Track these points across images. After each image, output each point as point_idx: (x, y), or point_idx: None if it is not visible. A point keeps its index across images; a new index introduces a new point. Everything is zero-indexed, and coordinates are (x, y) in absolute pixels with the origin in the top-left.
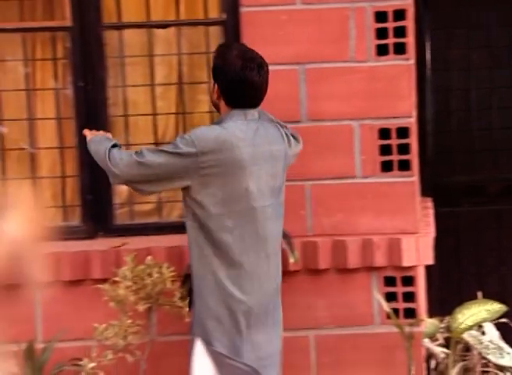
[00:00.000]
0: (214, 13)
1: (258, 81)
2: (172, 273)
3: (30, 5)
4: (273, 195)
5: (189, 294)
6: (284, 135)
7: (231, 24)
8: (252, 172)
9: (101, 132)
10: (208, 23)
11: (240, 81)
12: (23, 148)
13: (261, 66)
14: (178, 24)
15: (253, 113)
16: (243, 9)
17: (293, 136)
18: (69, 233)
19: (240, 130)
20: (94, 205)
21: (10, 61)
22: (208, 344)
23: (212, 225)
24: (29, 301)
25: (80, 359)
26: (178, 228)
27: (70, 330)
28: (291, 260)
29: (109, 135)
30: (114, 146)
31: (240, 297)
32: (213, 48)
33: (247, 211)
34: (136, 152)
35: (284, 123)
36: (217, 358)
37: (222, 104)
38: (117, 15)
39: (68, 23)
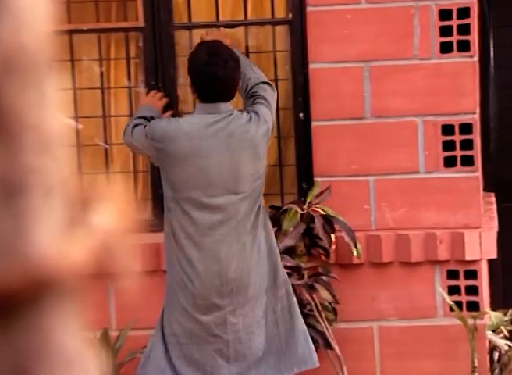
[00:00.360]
0: (280, 13)
1: (222, 75)
2: None
3: (105, 7)
4: (237, 184)
5: None
6: (254, 122)
7: (297, 23)
8: (195, 163)
9: (152, 102)
10: (274, 23)
11: (203, 75)
12: (98, 144)
13: (226, 61)
14: (245, 24)
15: (218, 107)
16: (309, 9)
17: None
18: (141, 226)
19: (189, 124)
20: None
21: (86, 60)
22: None
23: (169, 207)
24: (104, 291)
25: None
26: None
27: (142, 319)
28: (354, 254)
29: (158, 105)
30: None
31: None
32: (280, 47)
33: (191, 199)
34: (137, 125)
35: (253, 109)
36: None
37: (196, 97)
38: (187, 15)
39: (140, 23)
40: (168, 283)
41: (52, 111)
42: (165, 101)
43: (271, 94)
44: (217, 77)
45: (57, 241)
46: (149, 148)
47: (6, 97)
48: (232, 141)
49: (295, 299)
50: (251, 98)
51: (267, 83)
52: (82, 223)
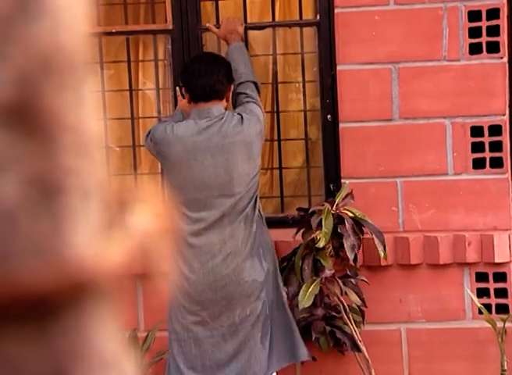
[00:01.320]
0: (308, 15)
1: (203, 75)
2: None
3: (134, 10)
4: (232, 185)
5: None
6: (247, 122)
7: (325, 25)
8: (190, 166)
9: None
10: (302, 25)
11: (185, 76)
12: (125, 146)
13: (207, 62)
14: (273, 25)
15: (208, 111)
16: (337, 10)
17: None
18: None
19: (184, 128)
20: None
21: (115, 62)
22: None
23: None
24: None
25: None
26: (272, 223)
27: None
28: (382, 256)
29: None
30: None
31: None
32: (307, 48)
33: (188, 202)
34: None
35: (244, 109)
36: None
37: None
38: (215, 17)
39: (169, 25)
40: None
41: (89, 112)
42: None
43: (256, 95)
44: (198, 78)
45: (94, 243)
46: (153, 152)
47: (44, 97)
48: (226, 143)
49: (284, 293)
50: (240, 95)
51: (255, 83)
52: (119, 225)
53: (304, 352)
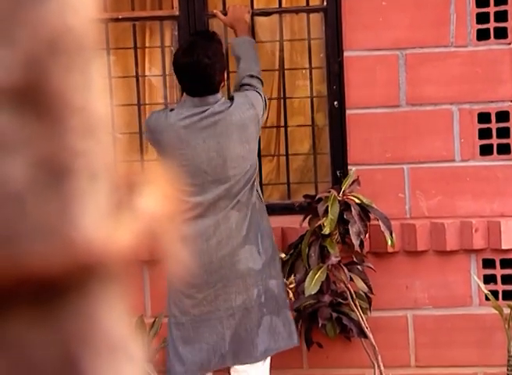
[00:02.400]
0: (315, 1)
1: (200, 75)
2: None
3: None
4: (226, 169)
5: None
6: (239, 105)
7: (332, 11)
8: (184, 153)
9: None
10: (309, 11)
11: (183, 77)
12: (132, 133)
13: (198, 61)
14: (280, 12)
15: (204, 100)
16: None
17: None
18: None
19: (176, 115)
20: None
21: (122, 49)
22: None
23: None
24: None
25: None
26: (279, 209)
27: None
28: (389, 243)
29: None
30: None
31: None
32: (314, 34)
33: (186, 187)
34: None
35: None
36: None
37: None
38: (222, 3)
39: (175, 12)
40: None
41: (97, 94)
42: None
43: (261, 88)
44: (192, 78)
45: (102, 225)
46: (150, 141)
47: (52, 79)
48: (218, 127)
49: (280, 283)
50: (243, 86)
51: (258, 78)
52: (127, 207)
53: (296, 339)
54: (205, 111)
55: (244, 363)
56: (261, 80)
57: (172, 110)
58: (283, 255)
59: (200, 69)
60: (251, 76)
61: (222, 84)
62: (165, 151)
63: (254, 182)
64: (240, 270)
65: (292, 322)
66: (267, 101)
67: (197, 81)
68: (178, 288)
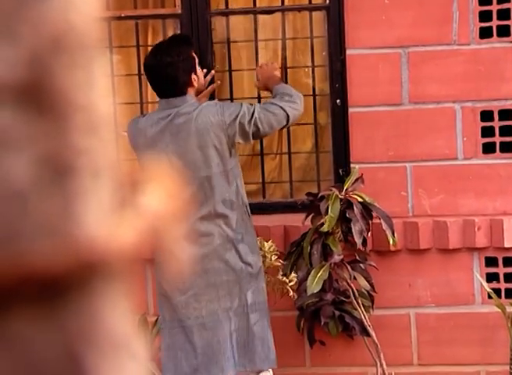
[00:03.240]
0: None
1: (164, 76)
2: (275, 250)
3: None
4: (188, 171)
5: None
6: (205, 111)
7: (334, 9)
8: (152, 156)
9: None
10: (312, 9)
11: (149, 78)
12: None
13: (160, 60)
14: (283, 10)
15: (172, 102)
16: None
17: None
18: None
19: (145, 120)
20: None
21: (124, 47)
22: None
23: None
24: (141, 276)
25: None
26: (281, 208)
27: None
28: (391, 242)
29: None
30: None
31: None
32: (317, 32)
33: None
34: None
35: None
36: None
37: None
38: (224, 1)
39: (178, 10)
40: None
41: (100, 92)
42: (214, 86)
43: (272, 115)
44: (158, 79)
45: (105, 223)
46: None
47: (55, 77)
48: (180, 131)
49: (265, 295)
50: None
51: (283, 109)
52: (130, 205)
53: (274, 360)
54: (170, 114)
55: None
56: (286, 112)
57: (144, 116)
58: (294, 276)
59: (162, 69)
60: (274, 104)
61: (192, 87)
62: (140, 156)
63: (224, 189)
64: (212, 279)
65: (270, 340)
66: (276, 122)
67: (161, 82)
68: (160, 292)
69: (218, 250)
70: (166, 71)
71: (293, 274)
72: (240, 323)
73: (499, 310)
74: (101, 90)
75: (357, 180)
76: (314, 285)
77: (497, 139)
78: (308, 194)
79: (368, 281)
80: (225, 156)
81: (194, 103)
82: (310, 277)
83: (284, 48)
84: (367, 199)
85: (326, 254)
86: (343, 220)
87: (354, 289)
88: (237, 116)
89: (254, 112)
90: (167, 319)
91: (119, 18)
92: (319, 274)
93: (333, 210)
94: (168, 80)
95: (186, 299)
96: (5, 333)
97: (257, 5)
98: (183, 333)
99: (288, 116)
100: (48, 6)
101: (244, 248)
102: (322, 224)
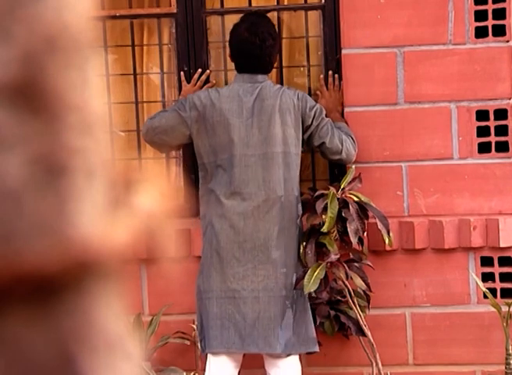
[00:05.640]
0: None
1: (258, 54)
2: None
3: None
4: (267, 144)
5: None
6: (288, 92)
7: (330, 9)
8: (236, 125)
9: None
10: (307, 8)
11: (240, 52)
12: (129, 131)
13: (263, 40)
14: (278, 9)
15: (253, 77)
16: None
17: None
18: (180, 209)
19: (228, 90)
20: (197, 184)
21: (119, 46)
22: None
23: (208, 171)
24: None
25: (184, 333)
26: None
27: (174, 304)
28: (386, 242)
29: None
30: None
31: (220, 231)
32: (312, 32)
33: (232, 158)
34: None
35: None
36: None
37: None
38: (220, 1)
39: (173, 9)
40: (203, 242)
41: (94, 92)
42: (210, 85)
43: (346, 140)
44: (253, 56)
45: (99, 222)
46: (181, 125)
47: (49, 76)
48: (264, 105)
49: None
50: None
51: (352, 137)
52: (124, 205)
53: (316, 344)
54: (257, 88)
55: (264, 351)
56: (352, 140)
57: (216, 88)
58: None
59: (262, 45)
60: (346, 134)
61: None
62: (217, 122)
63: (293, 170)
64: (273, 256)
65: (313, 327)
66: (344, 148)
67: (255, 57)
68: (210, 262)
69: (284, 229)
70: (265, 48)
71: None
72: (291, 304)
73: (495, 310)
74: (96, 90)
75: (354, 179)
76: (311, 284)
77: (493, 139)
78: (310, 189)
79: (363, 281)
80: (300, 139)
81: (273, 83)
82: (306, 277)
83: (279, 48)
84: (363, 199)
85: (320, 253)
86: (339, 220)
87: (350, 289)
88: (315, 110)
89: (328, 121)
90: (215, 288)
91: (114, 17)
92: (316, 273)
93: (332, 210)
94: (262, 56)
95: (244, 271)
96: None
97: (253, 4)
98: (235, 303)
99: (348, 153)
100: (43, 6)
101: (299, 227)
102: (319, 224)
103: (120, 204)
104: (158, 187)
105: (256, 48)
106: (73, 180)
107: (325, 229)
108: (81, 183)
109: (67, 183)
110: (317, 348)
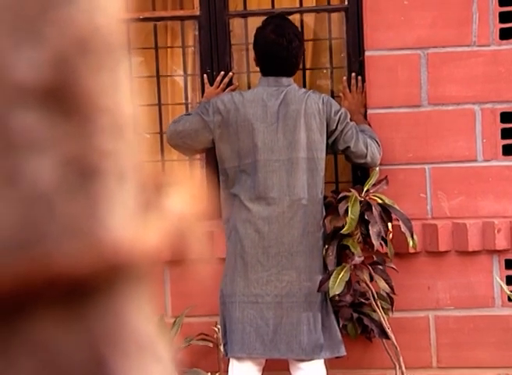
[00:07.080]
0: (336, 0)
1: (285, 56)
2: None
3: None
4: (292, 149)
5: None
6: (313, 96)
7: (353, 10)
8: (260, 129)
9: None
10: (330, 10)
11: (267, 54)
12: (153, 133)
13: (290, 41)
14: (301, 11)
15: (279, 80)
16: None
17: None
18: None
19: (252, 94)
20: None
21: (143, 49)
22: None
23: (229, 176)
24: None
25: (207, 334)
26: None
27: (197, 306)
28: (410, 244)
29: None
30: None
31: (244, 236)
32: (335, 34)
33: (257, 162)
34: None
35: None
36: None
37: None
38: (243, 3)
39: (196, 11)
40: (227, 246)
41: (125, 95)
42: (233, 87)
43: (370, 144)
44: (279, 58)
45: (130, 225)
46: (204, 130)
47: (81, 79)
48: (289, 110)
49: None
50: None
51: (376, 141)
52: (155, 208)
53: (342, 347)
54: (282, 91)
55: (286, 357)
56: (377, 143)
57: (239, 92)
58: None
59: (289, 48)
60: (371, 137)
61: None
62: (241, 126)
63: (318, 174)
64: (298, 262)
65: (338, 331)
66: (369, 151)
67: (281, 60)
68: (234, 266)
69: (308, 235)
70: (291, 49)
71: None
72: (314, 309)
73: None
74: (126, 92)
75: (380, 181)
76: (336, 287)
77: None
78: (333, 191)
79: (387, 283)
80: (324, 144)
81: (298, 86)
82: (331, 279)
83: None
84: (386, 201)
85: (342, 255)
86: (362, 222)
87: (374, 291)
88: (340, 115)
89: (353, 125)
90: (238, 293)
91: (138, 20)
92: (341, 275)
93: (353, 212)
94: (289, 58)
95: (268, 276)
96: (31, 336)
97: (276, 6)
98: (257, 308)
99: (373, 157)
100: (74, 8)
101: (324, 233)
102: (342, 226)
103: (151, 206)
104: (188, 190)
105: (283, 50)
106: (105, 182)
107: (345, 230)
108: (112, 185)
109: (98, 185)
110: (344, 352)
